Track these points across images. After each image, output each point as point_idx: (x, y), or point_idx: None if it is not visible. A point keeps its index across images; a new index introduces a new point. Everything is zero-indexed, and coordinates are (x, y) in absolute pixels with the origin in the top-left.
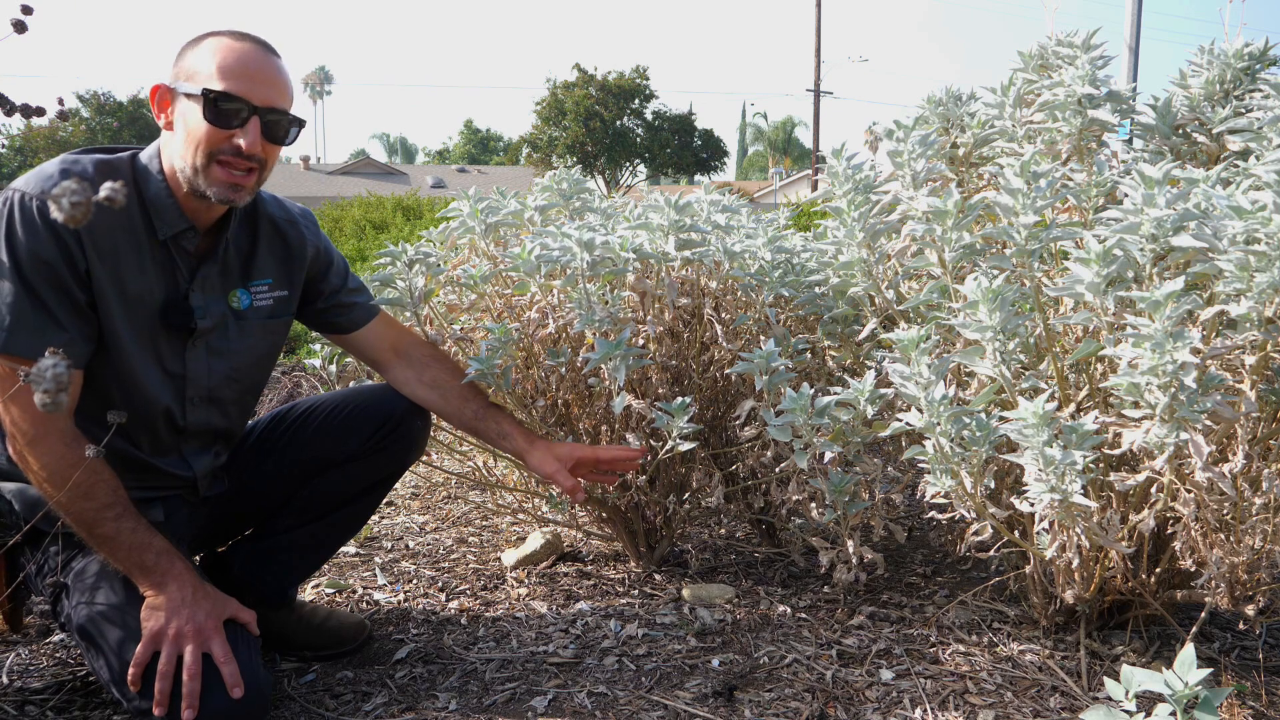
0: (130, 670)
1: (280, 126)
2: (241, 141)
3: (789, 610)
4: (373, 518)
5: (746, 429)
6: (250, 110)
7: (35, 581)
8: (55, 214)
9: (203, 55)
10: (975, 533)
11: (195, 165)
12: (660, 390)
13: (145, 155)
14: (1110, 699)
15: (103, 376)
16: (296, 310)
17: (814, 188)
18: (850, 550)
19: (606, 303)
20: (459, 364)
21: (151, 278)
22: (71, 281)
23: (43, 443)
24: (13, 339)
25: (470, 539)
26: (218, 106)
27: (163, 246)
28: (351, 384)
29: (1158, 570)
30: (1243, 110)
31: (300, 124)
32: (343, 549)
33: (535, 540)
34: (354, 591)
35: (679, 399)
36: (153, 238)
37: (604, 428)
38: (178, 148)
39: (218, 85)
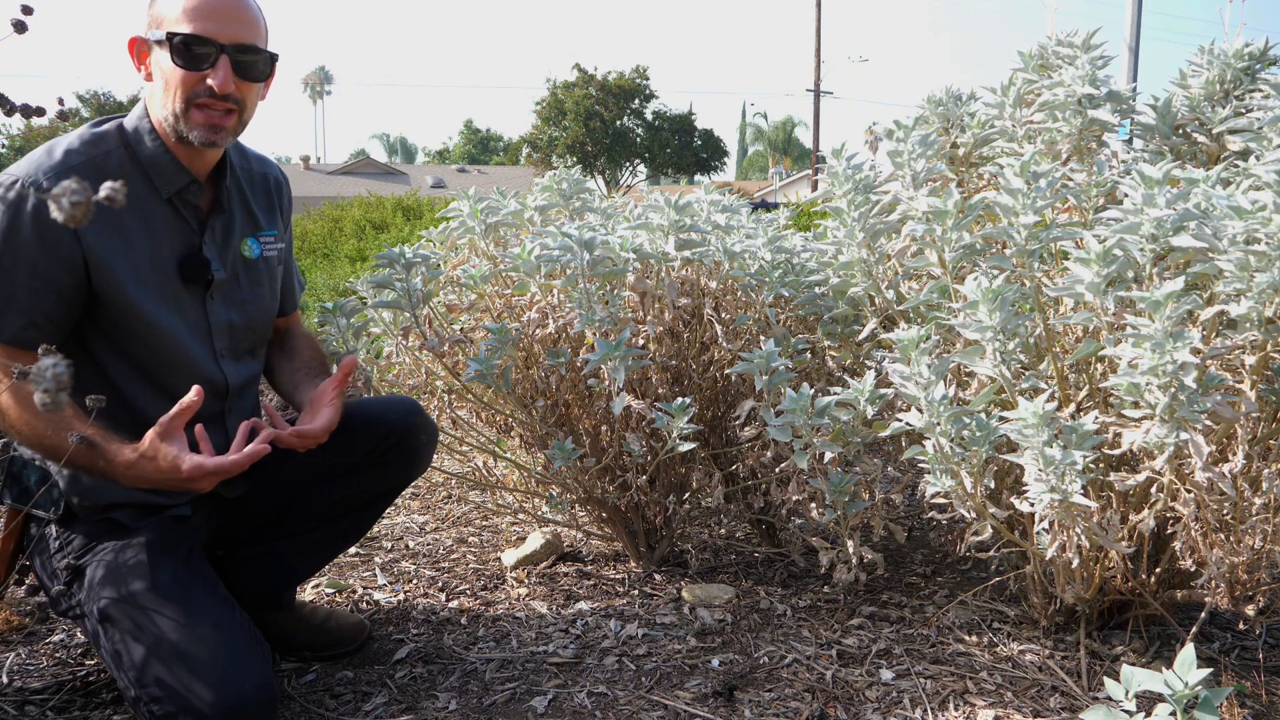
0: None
1: (252, 63)
2: (212, 82)
3: (789, 610)
4: None
5: (746, 429)
6: (218, 49)
7: (46, 561)
8: (55, 214)
9: (169, 0)
10: (975, 533)
11: (175, 111)
12: (660, 390)
13: (132, 117)
14: (1110, 699)
15: (133, 348)
16: None
17: (814, 188)
18: (850, 550)
19: (606, 303)
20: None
21: (161, 238)
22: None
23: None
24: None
25: (470, 539)
26: (185, 49)
27: (168, 204)
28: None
29: (1158, 570)
30: (1243, 110)
31: (274, 59)
32: None
33: (535, 540)
34: (354, 591)
35: (679, 399)
36: (156, 198)
37: (604, 428)
38: (158, 97)
39: (184, 28)
